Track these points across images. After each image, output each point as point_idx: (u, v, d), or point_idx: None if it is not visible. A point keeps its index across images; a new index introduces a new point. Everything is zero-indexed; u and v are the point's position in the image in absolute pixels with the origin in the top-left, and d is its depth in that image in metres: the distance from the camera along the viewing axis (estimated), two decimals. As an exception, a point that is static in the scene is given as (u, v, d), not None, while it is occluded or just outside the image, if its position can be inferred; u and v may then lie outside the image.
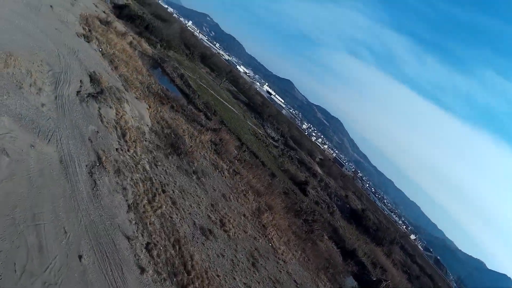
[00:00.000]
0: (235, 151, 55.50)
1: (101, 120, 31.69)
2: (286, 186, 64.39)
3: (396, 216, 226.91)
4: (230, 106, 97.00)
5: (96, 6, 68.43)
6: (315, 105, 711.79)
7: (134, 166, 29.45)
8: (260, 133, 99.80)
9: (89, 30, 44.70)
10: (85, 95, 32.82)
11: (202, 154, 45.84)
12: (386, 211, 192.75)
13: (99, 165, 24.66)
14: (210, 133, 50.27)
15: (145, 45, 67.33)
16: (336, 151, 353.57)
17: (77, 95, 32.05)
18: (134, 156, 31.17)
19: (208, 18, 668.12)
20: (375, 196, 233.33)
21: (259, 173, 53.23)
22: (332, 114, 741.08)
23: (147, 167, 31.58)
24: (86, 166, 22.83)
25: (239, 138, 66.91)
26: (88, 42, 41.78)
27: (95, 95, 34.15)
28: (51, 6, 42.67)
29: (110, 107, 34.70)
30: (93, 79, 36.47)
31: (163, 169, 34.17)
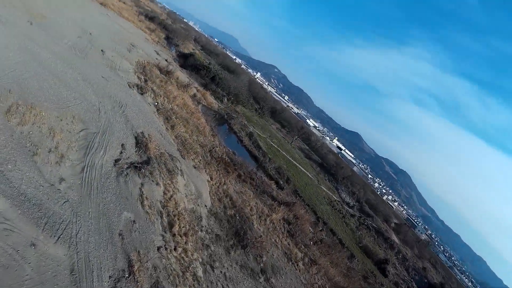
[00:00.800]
0: (311, 230, 48.40)
1: (142, 203, 22.89)
2: (366, 268, 58.73)
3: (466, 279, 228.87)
4: (303, 169, 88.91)
5: (157, 53, 66.93)
6: (383, 158, 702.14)
7: (181, 274, 20.73)
8: (335, 200, 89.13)
9: (145, 80, 37.75)
10: (125, 166, 24.50)
11: (273, 240, 36.56)
12: (458, 275, 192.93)
13: (129, 276, 16.85)
14: (283, 208, 43.10)
15: (211, 99, 60.49)
16: (405, 207, 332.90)
17: (114, 165, 23.82)
18: (183, 258, 22.17)
19: (276, 70, 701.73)
20: (445, 256, 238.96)
21: (337, 256, 47.11)
22: (400, 167, 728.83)
23: (200, 272, 22.91)
24: (110, 278, 15.72)
25: (314, 211, 60.56)
26: (142, 94, 34.05)
27: (138, 165, 25.47)
28: (102, 51, 36.53)
29: (157, 184, 25.63)
30: (140, 142, 27.19)
31: (221, 272, 25.36)
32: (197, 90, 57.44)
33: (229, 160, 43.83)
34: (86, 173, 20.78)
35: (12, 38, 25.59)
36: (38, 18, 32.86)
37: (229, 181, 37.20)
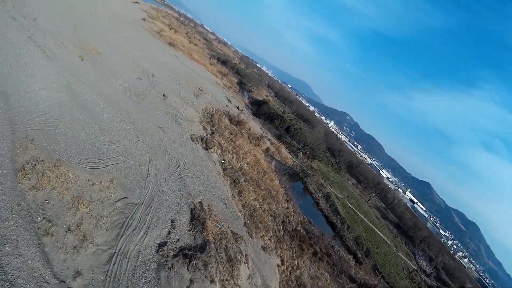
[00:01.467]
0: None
1: (189, 315, 16.69)
2: None
3: None
4: (381, 234, 79.84)
5: (228, 100, 62.53)
6: (453, 209, 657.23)
7: None
8: (413, 269, 78.12)
9: (212, 132, 31.93)
10: (172, 254, 17.67)
11: None
12: None
13: None
14: (364, 294, 36.47)
15: (285, 153, 53.51)
16: (473, 261, 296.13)
17: (156, 252, 17.13)
18: None
19: (348, 117, 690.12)
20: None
21: None
22: (470, 219, 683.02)
23: None
24: None
25: (394, 288, 55.21)
26: (206, 149, 27.71)
27: (190, 253, 18.33)
28: (164, 95, 31.30)
29: (212, 281, 18.25)
30: (196, 218, 20.81)
31: None
32: (271, 143, 51.31)
33: (304, 233, 35.16)
34: (114, 264, 14.59)
35: (53, 75, 21.42)
36: (92, 53, 30.44)
37: (303, 262, 28.88)
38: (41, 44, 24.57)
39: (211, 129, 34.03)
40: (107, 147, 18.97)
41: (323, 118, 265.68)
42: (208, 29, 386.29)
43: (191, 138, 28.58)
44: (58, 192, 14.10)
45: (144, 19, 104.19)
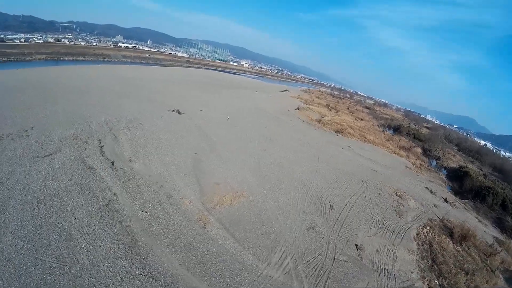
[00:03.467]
0: None
1: None
2: None
3: None
4: None
5: (430, 191, 52.33)
6: None
7: None
8: None
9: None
10: None
11: None
12: None
13: None
14: None
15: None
16: None
17: None
18: None
19: None
20: None
21: None
22: None
23: None
24: None
25: None
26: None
27: None
28: (357, 247, 25.71)
29: None
30: None
31: None
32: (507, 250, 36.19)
33: None
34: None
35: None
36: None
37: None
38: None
39: (437, 275, 25.09)
40: None
41: (501, 151, 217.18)
42: (363, 94, 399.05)
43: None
44: None
45: (298, 108, 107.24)
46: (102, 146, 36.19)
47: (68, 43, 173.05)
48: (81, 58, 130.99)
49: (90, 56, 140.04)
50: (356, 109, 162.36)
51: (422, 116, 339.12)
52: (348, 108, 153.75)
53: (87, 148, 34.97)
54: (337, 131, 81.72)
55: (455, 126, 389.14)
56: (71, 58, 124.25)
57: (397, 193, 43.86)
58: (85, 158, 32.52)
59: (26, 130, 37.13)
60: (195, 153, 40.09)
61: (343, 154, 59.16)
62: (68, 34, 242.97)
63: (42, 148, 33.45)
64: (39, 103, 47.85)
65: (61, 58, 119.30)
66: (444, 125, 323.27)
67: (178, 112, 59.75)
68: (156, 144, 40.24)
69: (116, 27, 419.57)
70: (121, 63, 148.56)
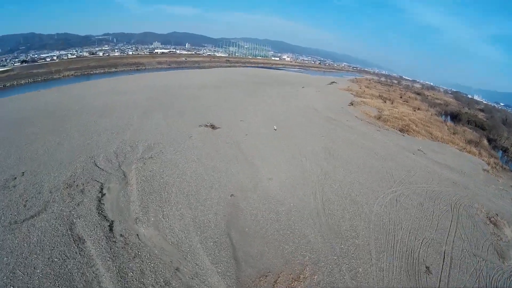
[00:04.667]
0: None
1: None
2: None
3: None
4: None
5: None
6: None
7: None
8: None
9: None
10: None
11: None
12: None
13: None
14: None
15: None
16: None
17: None
18: None
19: None
20: None
21: None
22: None
23: None
24: None
25: None
26: None
27: None
28: None
29: None
30: None
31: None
32: None
33: None
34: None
35: None
36: None
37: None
38: None
39: None
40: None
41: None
42: (408, 78, 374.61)
43: None
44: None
45: (351, 103, 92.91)
46: (103, 196, 26.25)
47: (102, 55, 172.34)
48: (113, 70, 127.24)
49: (123, 67, 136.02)
50: (409, 97, 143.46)
51: (470, 96, 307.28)
52: (401, 97, 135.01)
53: (82, 201, 25.12)
54: (401, 130, 67.39)
55: (501, 104, 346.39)
56: (102, 71, 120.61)
57: (490, 218, 31.14)
58: (74, 221, 22.67)
59: (15, 178, 28.62)
60: (232, 196, 28.53)
61: (418, 164, 44.69)
62: (105, 46, 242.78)
63: (25, 206, 24.41)
64: (45, 134, 39.81)
65: (92, 72, 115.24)
66: (492, 104, 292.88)
67: (213, 126, 48.88)
68: (178, 184, 29.40)
69: (152, 34, 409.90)
70: (156, 70, 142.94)
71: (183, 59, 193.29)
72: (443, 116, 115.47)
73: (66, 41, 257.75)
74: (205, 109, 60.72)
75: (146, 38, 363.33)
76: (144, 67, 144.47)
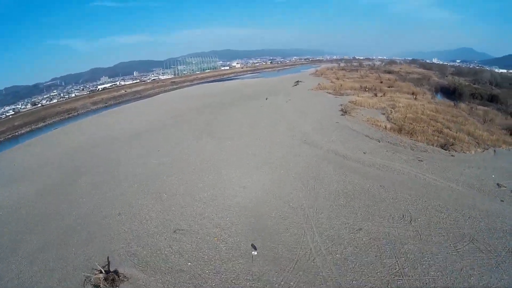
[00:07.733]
0: None
1: None
2: None
3: None
4: None
5: None
6: None
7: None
8: None
9: None
10: None
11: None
12: None
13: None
14: None
15: None
16: None
17: None
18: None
19: None
20: None
21: None
22: None
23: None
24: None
25: None
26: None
27: None
28: None
29: None
30: None
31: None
32: None
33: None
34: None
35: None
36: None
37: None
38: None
39: None
40: None
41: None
42: (363, 58, 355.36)
43: None
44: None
45: (343, 111, 66.08)
46: None
47: (44, 104, 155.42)
48: (41, 124, 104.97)
49: (53, 118, 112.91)
50: (388, 79, 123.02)
51: (428, 61, 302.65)
52: (381, 82, 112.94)
53: None
54: (442, 146, 42.18)
55: (457, 61, 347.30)
56: (28, 130, 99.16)
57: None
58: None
59: None
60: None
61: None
62: (54, 91, 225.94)
63: None
64: None
65: (17, 133, 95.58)
66: (446, 63, 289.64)
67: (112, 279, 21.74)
68: None
69: (100, 70, 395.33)
70: (92, 112, 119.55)
71: (123, 91, 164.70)
72: (438, 95, 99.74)
73: (15, 93, 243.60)
74: (120, 201, 33.53)
75: (94, 74, 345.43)
76: (76, 113, 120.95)
